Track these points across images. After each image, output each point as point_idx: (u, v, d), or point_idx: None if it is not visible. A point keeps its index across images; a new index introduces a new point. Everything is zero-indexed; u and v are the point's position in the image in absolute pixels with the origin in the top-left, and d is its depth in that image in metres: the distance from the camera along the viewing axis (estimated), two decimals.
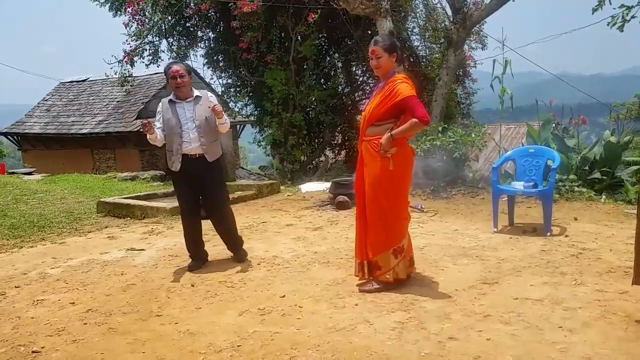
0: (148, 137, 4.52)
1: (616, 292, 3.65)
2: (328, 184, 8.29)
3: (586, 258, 4.47)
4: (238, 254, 4.85)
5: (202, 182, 4.52)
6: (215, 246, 5.31)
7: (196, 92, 4.55)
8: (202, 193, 4.59)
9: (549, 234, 5.26)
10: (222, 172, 4.72)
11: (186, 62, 4.10)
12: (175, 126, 4.45)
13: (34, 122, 19.46)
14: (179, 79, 4.40)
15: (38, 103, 20.84)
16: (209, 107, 4.37)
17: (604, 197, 6.96)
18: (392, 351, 2.92)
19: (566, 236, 5.21)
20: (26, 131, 19.27)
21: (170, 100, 4.53)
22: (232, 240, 4.86)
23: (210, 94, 4.69)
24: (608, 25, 7.69)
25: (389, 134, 3.71)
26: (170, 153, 4.53)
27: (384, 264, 3.80)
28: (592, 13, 7.66)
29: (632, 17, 7.34)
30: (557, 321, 3.21)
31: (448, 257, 4.66)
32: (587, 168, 7.72)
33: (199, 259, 4.76)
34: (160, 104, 4.63)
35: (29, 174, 14.20)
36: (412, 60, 13.42)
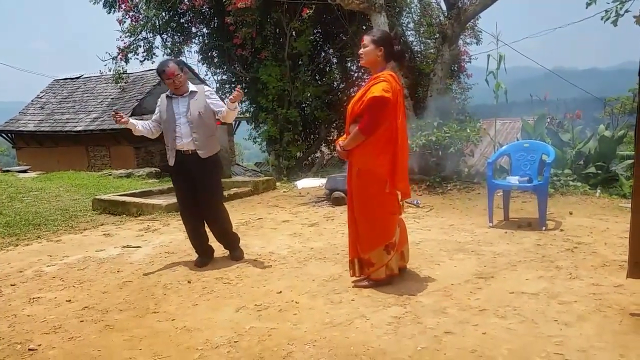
0: (133, 130, 4.58)
1: (611, 285, 3.67)
2: (324, 180, 8.29)
3: (581, 252, 4.50)
4: (234, 253, 4.82)
5: (195, 178, 4.49)
6: (210, 243, 5.33)
7: (192, 87, 4.53)
8: (196, 190, 4.54)
9: (544, 228, 5.28)
10: (217, 169, 4.66)
11: (179, 58, 4.03)
12: (170, 121, 4.47)
13: (28, 120, 19.36)
14: (176, 81, 4.38)
15: (32, 100, 20.72)
16: (233, 96, 4.24)
17: (598, 191, 6.99)
18: (388, 346, 2.93)
19: (561, 230, 5.23)
20: (20, 129, 19.16)
21: (167, 96, 4.55)
22: (227, 239, 4.84)
23: (207, 88, 4.67)
24: (602, 19, 7.72)
25: (339, 145, 3.84)
26: (167, 148, 4.55)
27: (377, 261, 3.80)
28: (586, 7, 7.69)
29: (626, 11, 7.36)
30: (552, 315, 3.23)
31: (444, 252, 4.67)
32: (581, 162, 7.76)
33: (204, 255, 4.73)
34: (159, 98, 4.65)
35: (24, 171, 14.15)
36: (406, 55, 13.41)
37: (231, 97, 4.28)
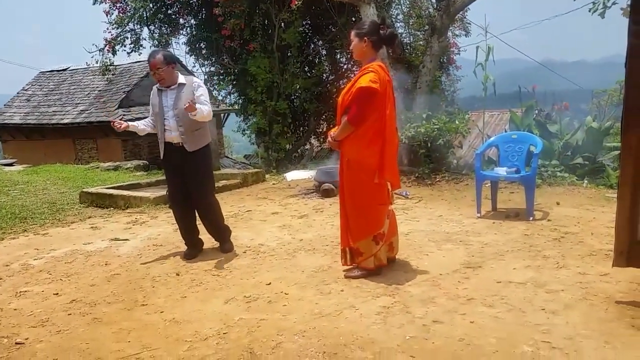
0: (137, 132, 4.64)
1: (597, 274, 3.71)
2: (313, 172, 8.28)
3: (568, 242, 4.54)
4: (224, 245, 4.81)
5: (184, 171, 4.48)
6: (200, 235, 5.32)
7: (181, 80, 4.46)
8: (186, 182, 4.52)
9: (531, 218, 5.32)
10: (206, 162, 4.59)
11: (168, 50, 3.99)
12: (159, 114, 4.46)
13: (14, 112, 19.11)
14: (157, 74, 4.35)
15: (17, 93, 20.44)
16: (186, 105, 4.15)
17: (585, 182, 7.05)
18: (377, 335, 2.94)
19: (549, 220, 5.27)
20: (6, 122, 18.92)
21: (158, 88, 4.52)
22: (217, 231, 4.82)
23: (196, 80, 4.60)
24: (589, 11, 7.76)
25: (330, 136, 3.86)
26: (158, 140, 4.54)
27: (365, 250, 3.82)
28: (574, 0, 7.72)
29: (613, 3, 7.41)
30: (539, 303, 3.26)
31: (432, 243, 4.70)
32: (569, 153, 7.81)
33: (193, 247, 4.72)
34: (152, 91, 4.60)
35: (10, 165, 13.98)
36: (397, 37, 13.38)
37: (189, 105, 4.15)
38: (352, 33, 3.82)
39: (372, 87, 3.60)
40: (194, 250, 4.69)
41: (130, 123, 4.56)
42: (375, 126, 3.70)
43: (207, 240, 4.94)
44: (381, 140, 3.72)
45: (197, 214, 4.70)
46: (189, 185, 4.53)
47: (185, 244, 4.76)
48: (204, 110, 4.31)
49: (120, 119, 4.33)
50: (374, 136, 3.71)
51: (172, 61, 4.46)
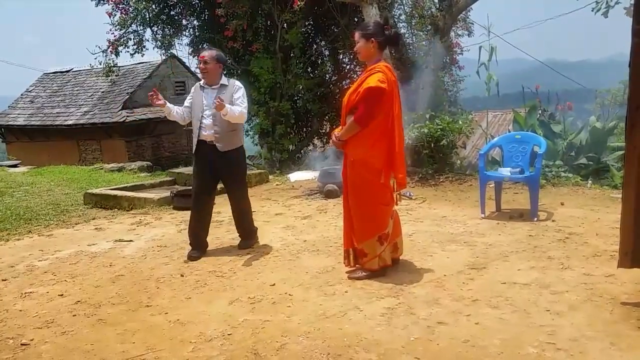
0: (167, 114, 4.68)
1: (602, 275, 3.70)
2: (317, 173, 8.28)
3: (573, 242, 4.53)
4: (245, 241, 4.91)
5: (217, 169, 4.62)
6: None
7: (223, 81, 4.62)
8: (221, 180, 4.75)
9: (535, 219, 5.31)
10: (240, 161, 4.75)
11: (217, 50, 4.31)
12: (197, 110, 4.60)
13: (18, 114, 19.19)
14: (202, 65, 4.53)
15: (21, 94, 20.53)
16: (216, 101, 4.26)
17: (590, 182, 7.03)
18: (381, 336, 2.94)
19: (553, 221, 5.26)
20: (10, 123, 18.99)
21: (200, 85, 4.66)
22: (244, 228, 4.93)
23: (237, 83, 4.70)
24: (593, 11, 7.74)
25: (334, 136, 3.85)
26: (192, 135, 4.69)
27: (370, 251, 3.82)
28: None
29: (616, 2, 7.39)
30: (544, 305, 3.26)
31: (436, 244, 4.69)
32: (573, 154, 7.79)
33: (198, 248, 4.74)
34: (194, 86, 4.78)
35: (14, 166, 14.02)
36: (400, 37, 13.36)
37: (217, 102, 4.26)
38: (357, 34, 3.81)
39: (380, 87, 3.62)
40: (198, 252, 4.70)
41: (167, 102, 4.59)
42: (381, 126, 3.71)
43: (211, 242, 4.95)
44: (387, 140, 3.74)
45: (231, 208, 4.87)
46: (224, 183, 4.77)
47: (190, 244, 4.77)
48: (235, 110, 4.40)
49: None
50: (380, 136, 3.72)
51: (222, 61, 4.66)
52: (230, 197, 4.83)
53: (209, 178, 4.67)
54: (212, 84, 4.59)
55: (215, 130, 4.50)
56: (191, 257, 4.63)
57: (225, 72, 4.82)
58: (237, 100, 4.52)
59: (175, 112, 4.67)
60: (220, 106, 4.21)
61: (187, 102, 4.71)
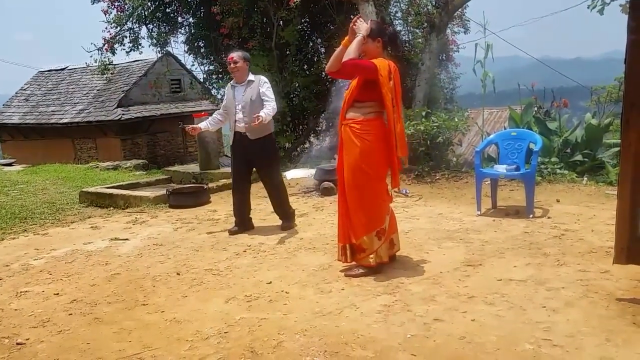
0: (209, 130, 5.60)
1: (598, 271, 3.72)
2: (313, 171, 8.28)
3: (568, 239, 4.54)
4: (285, 223, 5.42)
5: (251, 156, 5.20)
6: (199, 234, 5.33)
7: (250, 77, 5.19)
8: (253, 167, 5.34)
9: (531, 216, 5.32)
10: (272, 148, 5.35)
11: (243, 51, 5.11)
12: (231, 106, 5.19)
13: (13, 112, 19.10)
14: (232, 65, 5.10)
15: (16, 92, 20.43)
16: (253, 124, 4.84)
17: (585, 179, 7.04)
18: (378, 334, 2.95)
19: (548, 218, 5.27)
20: (4, 121, 18.90)
21: (231, 85, 5.27)
22: (282, 209, 5.46)
23: (263, 78, 5.25)
24: (588, 8, 7.76)
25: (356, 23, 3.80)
26: (230, 129, 5.29)
27: (368, 247, 3.82)
28: None
29: (612, 0, 7.40)
30: (540, 301, 3.27)
31: (433, 241, 4.70)
32: (568, 151, 7.80)
33: (240, 224, 5.36)
34: (226, 87, 5.43)
35: (9, 164, 13.96)
36: (398, 37, 13.36)
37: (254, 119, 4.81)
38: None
39: (371, 65, 3.70)
40: (240, 227, 5.32)
41: (201, 126, 5.25)
42: (379, 118, 3.80)
43: (207, 239, 4.95)
44: (386, 133, 3.81)
45: (266, 191, 5.45)
46: (257, 167, 5.32)
47: (235, 222, 5.38)
48: (268, 112, 4.91)
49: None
50: (379, 129, 3.80)
51: (248, 60, 5.27)
52: (265, 182, 5.39)
53: (244, 165, 5.30)
54: (241, 82, 5.17)
55: (246, 122, 5.04)
56: (230, 232, 5.27)
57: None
58: (266, 92, 5.07)
59: (211, 126, 5.37)
60: (257, 121, 4.73)
61: (223, 103, 5.37)
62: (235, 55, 5.13)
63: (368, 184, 3.80)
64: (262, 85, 5.11)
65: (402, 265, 4.05)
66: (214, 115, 5.42)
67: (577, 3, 8.59)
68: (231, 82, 5.31)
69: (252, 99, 5.05)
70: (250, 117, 4.96)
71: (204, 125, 5.30)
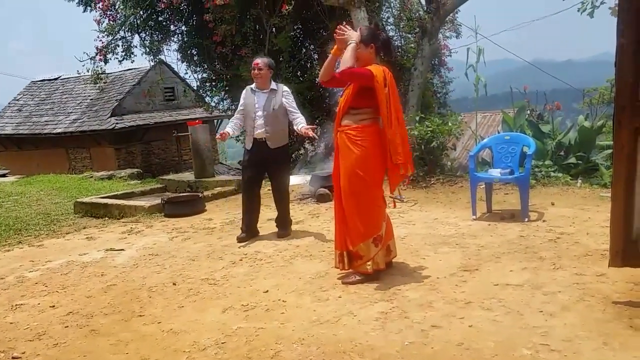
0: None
1: (594, 274, 3.73)
2: (308, 177, 8.27)
3: (564, 242, 4.55)
4: (282, 231, 5.44)
5: (266, 163, 5.24)
6: (195, 243, 5.31)
7: (273, 86, 5.23)
8: (267, 172, 5.37)
9: (526, 219, 5.34)
10: (287, 157, 5.59)
11: (268, 58, 5.35)
12: (250, 111, 5.17)
13: (6, 123, 19.01)
14: (256, 70, 5.15)
15: (9, 103, 20.35)
16: (306, 134, 4.93)
17: (579, 181, 7.08)
18: (376, 341, 2.94)
19: (544, 221, 5.29)
20: None
21: (251, 89, 5.27)
22: (282, 218, 5.49)
23: (285, 88, 5.29)
24: (578, 11, 7.82)
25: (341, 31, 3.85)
26: (245, 133, 5.36)
27: (365, 253, 3.82)
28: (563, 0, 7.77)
29: (602, 2, 7.47)
30: (537, 306, 3.27)
31: (429, 246, 4.70)
32: (562, 153, 7.84)
33: (248, 231, 5.36)
34: (244, 90, 5.36)
35: (3, 175, 13.88)
36: (391, 42, 13.41)
37: (308, 131, 4.89)
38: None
39: (365, 72, 3.71)
40: (247, 234, 5.32)
41: (228, 131, 5.23)
42: (375, 125, 3.81)
43: (203, 249, 4.93)
44: (384, 139, 3.79)
45: (273, 197, 5.49)
46: (271, 175, 5.39)
47: (241, 227, 5.39)
48: (304, 122, 5.09)
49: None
50: (376, 136, 3.80)
51: (272, 67, 5.31)
52: (275, 188, 5.42)
53: (259, 171, 5.34)
54: (263, 88, 5.20)
55: (267, 130, 5.09)
56: (238, 238, 5.27)
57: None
58: (291, 102, 5.19)
59: (234, 130, 5.29)
60: (314, 131, 4.91)
61: (240, 107, 5.30)
62: (261, 61, 5.18)
63: (364, 190, 3.80)
64: (287, 96, 5.18)
65: (399, 272, 4.05)
66: (234, 120, 5.33)
67: (567, 6, 8.65)
68: (251, 86, 5.30)
69: (275, 108, 5.11)
70: (273, 127, 5.09)
71: (230, 130, 5.27)
